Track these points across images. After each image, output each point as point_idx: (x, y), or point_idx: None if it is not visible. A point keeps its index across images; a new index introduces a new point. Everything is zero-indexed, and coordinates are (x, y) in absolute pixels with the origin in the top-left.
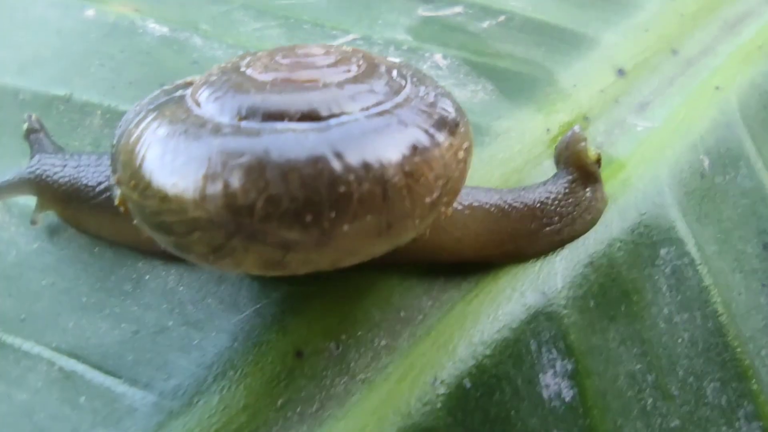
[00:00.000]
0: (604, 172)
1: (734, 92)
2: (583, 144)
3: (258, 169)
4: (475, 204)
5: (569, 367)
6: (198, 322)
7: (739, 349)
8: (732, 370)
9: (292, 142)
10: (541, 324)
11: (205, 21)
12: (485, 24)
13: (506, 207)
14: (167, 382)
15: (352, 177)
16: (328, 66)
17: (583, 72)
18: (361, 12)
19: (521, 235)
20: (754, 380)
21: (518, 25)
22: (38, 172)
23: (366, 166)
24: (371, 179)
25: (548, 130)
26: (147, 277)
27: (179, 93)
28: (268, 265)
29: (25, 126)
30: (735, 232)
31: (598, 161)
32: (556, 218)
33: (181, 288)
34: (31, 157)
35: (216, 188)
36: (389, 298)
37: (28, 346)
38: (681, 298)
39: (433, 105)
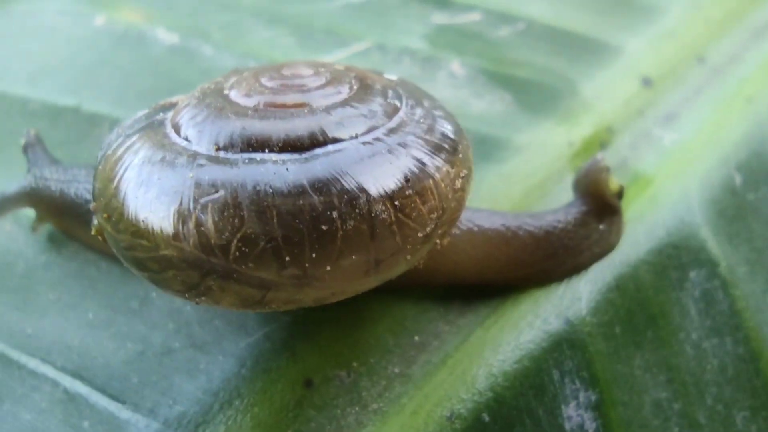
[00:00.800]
0: (631, 189)
1: (767, 104)
2: (604, 174)
3: (233, 206)
4: (475, 229)
5: (593, 398)
6: (205, 344)
7: None
8: (764, 397)
9: (270, 175)
10: (564, 353)
11: (216, 29)
12: (503, 32)
13: (508, 234)
14: (172, 409)
15: (335, 214)
16: (317, 88)
17: (607, 82)
18: (375, 19)
19: (523, 264)
20: None
21: (538, 33)
22: (33, 185)
23: (351, 202)
24: (357, 216)
25: (571, 143)
26: (153, 294)
27: (160, 116)
28: (247, 304)
29: (23, 141)
30: (767, 251)
31: (620, 194)
32: (561, 250)
33: (188, 307)
34: (28, 171)
35: (188, 226)
36: (403, 323)
37: (33, 364)
38: (710, 323)
39: (429, 130)
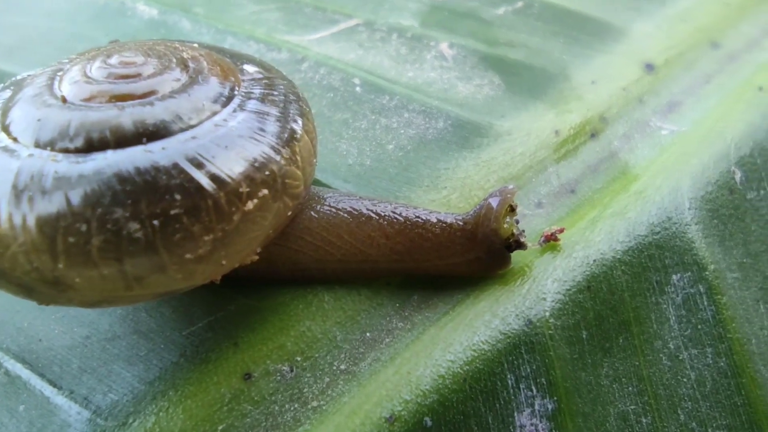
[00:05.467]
0: (616, 183)
1: None
2: (497, 208)
3: None
4: (314, 215)
5: (550, 406)
6: (149, 331)
7: (754, 393)
8: (743, 416)
9: (37, 176)
10: (521, 356)
11: (200, 3)
12: (500, 10)
13: (352, 223)
14: (105, 397)
15: (84, 227)
16: (136, 78)
17: (605, 67)
18: None
19: (368, 257)
20: None
21: (537, 13)
22: None
23: (104, 217)
24: (107, 232)
25: (557, 132)
26: None
27: (6, 94)
28: (22, 296)
29: None
30: (764, 256)
31: (509, 242)
32: (412, 253)
33: None
34: None
35: None
36: (355, 317)
37: None
38: (691, 332)
39: (233, 145)
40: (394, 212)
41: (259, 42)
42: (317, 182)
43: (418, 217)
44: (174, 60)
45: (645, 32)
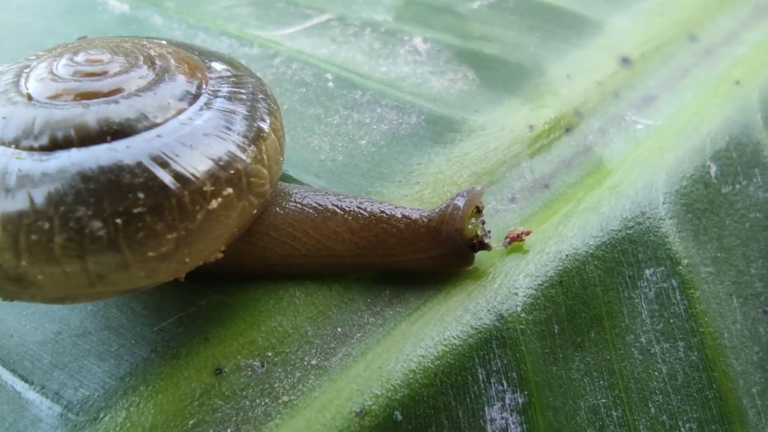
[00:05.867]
0: (590, 177)
1: (756, 88)
2: (464, 208)
3: None
4: (279, 211)
5: (520, 400)
6: (120, 327)
7: (725, 387)
8: (714, 409)
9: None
10: (492, 351)
11: None
12: (475, 4)
13: (317, 218)
14: (77, 392)
15: (46, 225)
16: (111, 75)
17: (581, 61)
18: None
19: (332, 252)
20: (738, 423)
21: (512, 6)
22: None
23: (66, 215)
24: (70, 229)
25: (531, 126)
26: None
27: None
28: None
29: None
30: (738, 250)
31: (473, 242)
32: (377, 247)
33: None
34: None
35: None
36: (326, 312)
37: None
38: (663, 326)
39: (200, 139)
40: (359, 207)
41: (231, 37)
42: (288, 178)
43: (383, 212)
44: (141, 57)
45: (622, 26)
